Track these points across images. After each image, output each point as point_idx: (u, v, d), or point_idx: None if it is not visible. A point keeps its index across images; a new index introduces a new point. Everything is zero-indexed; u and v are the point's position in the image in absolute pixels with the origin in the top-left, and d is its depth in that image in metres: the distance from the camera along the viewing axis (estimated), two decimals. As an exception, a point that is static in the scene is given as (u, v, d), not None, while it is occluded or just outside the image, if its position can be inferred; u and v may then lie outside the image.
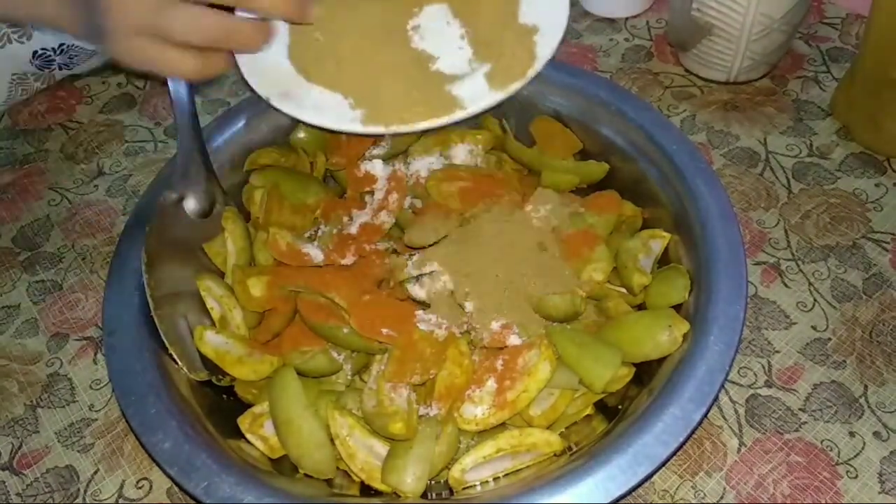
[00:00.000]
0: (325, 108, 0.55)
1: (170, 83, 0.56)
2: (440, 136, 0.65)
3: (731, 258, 0.51)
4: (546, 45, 0.55)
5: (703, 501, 0.50)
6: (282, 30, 0.57)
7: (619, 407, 0.51)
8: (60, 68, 0.80)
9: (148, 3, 0.49)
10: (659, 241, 0.57)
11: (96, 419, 0.57)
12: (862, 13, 0.80)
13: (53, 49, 0.77)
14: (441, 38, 0.58)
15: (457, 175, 0.61)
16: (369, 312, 0.52)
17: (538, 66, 0.55)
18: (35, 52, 0.77)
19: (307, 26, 0.56)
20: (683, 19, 0.72)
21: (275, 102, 0.55)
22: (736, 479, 0.51)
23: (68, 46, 0.78)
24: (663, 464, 0.44)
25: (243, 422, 0.52)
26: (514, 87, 0.54)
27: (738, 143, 0.71)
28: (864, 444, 0.51)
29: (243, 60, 0.56)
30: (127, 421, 0.48)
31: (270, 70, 0.56)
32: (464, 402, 0.49)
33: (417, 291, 0.53)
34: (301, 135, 0.66)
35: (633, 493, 0.48)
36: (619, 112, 0.61)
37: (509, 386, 0.49)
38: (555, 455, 0.49)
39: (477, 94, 0.54)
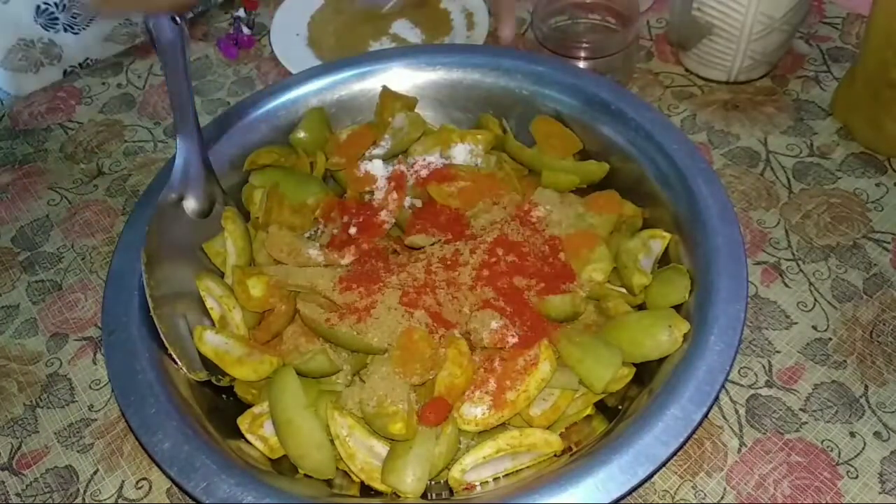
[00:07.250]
0: None
1: (155, 31, 0.54)
2: (440, 136, 0.65)
3: (731, 258, 0.51)
4: None
5: (704, 502, 0.50)
6: None
7: (619, 407, 0.51)
8: (66, 30, 0.81)
9: None
10: (659, 241, 0.57)
11: (96, 419, 0.57)
12: (862, 13, 0.80)
13: (56, 4, 0.79)
14: None
15: (457, 175, 0.61)
16: None
17: None
18: (38, 7, 0.78)
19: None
20: (684, 19, 0.72)
21: None
22: (736, 479, 0.50)
23: (69, 2, 0.80)
24: (663, 464, 0.44)
25: (243, 422, 0.52)
26: None
27: (738, 143, 0.71)
28: (865, 444, 0.51)
29: None
30: (127, 421, 0.48)
31: None
32: (464, 402, 0.49)
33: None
34: (301, 135, 0.65)
35: (634, 494, 0.48)
36: (619, 112, 0.61)
37: (509, 386, 0.49)
38: (555, 455, 0.49)
39: None
